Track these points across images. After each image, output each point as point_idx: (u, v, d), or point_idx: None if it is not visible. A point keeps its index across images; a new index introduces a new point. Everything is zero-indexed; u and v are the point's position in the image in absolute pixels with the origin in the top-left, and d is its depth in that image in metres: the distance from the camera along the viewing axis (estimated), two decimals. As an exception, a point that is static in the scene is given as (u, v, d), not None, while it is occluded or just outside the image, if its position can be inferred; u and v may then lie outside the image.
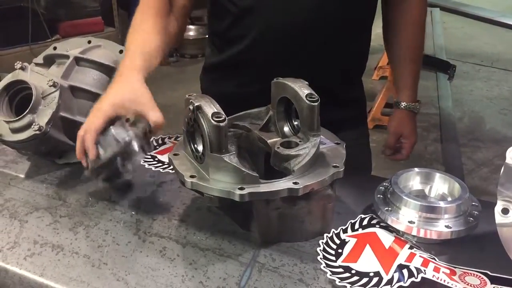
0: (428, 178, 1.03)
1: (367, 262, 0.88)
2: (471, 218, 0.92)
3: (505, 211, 0.80)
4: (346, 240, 0.94)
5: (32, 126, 1.07)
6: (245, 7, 1.25)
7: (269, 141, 1.01)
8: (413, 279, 0.83)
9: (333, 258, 0.89)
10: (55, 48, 1.27)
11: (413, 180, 1.03)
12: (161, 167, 1.21)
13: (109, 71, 1.23)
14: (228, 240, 0.95)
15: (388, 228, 0.96)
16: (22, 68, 1.14)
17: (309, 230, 0.95)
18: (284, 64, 1.23)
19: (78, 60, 1.21)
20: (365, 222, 0.99)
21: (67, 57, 1.20)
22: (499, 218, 0.81)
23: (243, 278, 0.86)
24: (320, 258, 0.89)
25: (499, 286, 0.82)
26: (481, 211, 0.94)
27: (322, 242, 0.93)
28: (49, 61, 1.25)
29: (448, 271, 0.84)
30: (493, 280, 0.83)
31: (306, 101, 0.93)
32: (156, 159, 1.25)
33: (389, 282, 0.83)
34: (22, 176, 1.19)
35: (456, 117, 4.43)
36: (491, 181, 3.31)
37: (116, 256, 0.92)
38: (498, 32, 7.04)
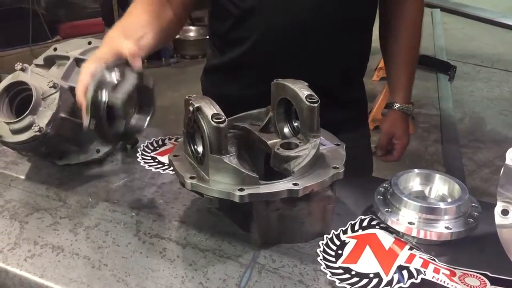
0: (428, 179, 1.03)
1: (367, 263, 0.88)
2: (471, 219, 0.92)
3: (505, 212, 0.80)
4: (346, 241, 0.94)
5: (32, 127, 1.07)
6: (246, 9, 1.25)
7: (269, 142, 1.01)
8: (413, 280, 0.83)
9: (333, 259, 0.89)
10: (55, 49, 1.27)
11: (413, 181, 1.03)
12: (161, 168, 1.21)
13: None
14: (228, 241, 0.95)
15: (388, 229, 0.96)
16: (23, 69, 1.14)
17: (309, 231, 0.95)
18: (285, 65, 1.23)
19: (78, 61, 1.21)
20: (365, 223, 0.99)
21: (67, 58, 1.21)
22: (499, 219, 0.81)
23: (243, 279, 0.86)
24: (320, 259, 0.89)
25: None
26: (481, 212, 0.94)
27: (322, 243, 0.93)
28: (49, 62, 1.25)
29: (448, 272, 0.84)
30: (493, 281, 0.83)
31: (306, 102, 0.93)
32: (156, 160, 1.25)
33: (389, 283, 0.83)
34: (23, 177, 1.19)
35: (456, 118, 4.43)
36: (492, 182, 3.31)
37: (116, 257, 0.92)
38: (498, 33, 7.04)
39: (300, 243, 0.95)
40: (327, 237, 0.95)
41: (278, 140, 1.02)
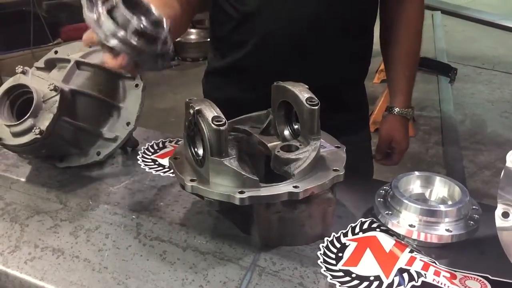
0: (429, 181, 1.03)
1: (368, 266, 0.88)
2: (472, 222, 0.92)
3: (505, 214, 0.80)
4: (347, 244, 0.94)
5: (33, 130, 1.07)
6: (247, 12, 1.26)
7: (269, 144, 1.01)
8: (413, 283, 0.83)
9: (334, 262, 0.89)
10: (56, 52, 1.28)
11: (414, 183, 1.03)
12: (162, 171, 1.21)
13: (109, 75, 1.24)
14: (229, 244, 0.95)
15: (389, 232, 0.96)
16: (23, 72, 1.14)
17: (309, 233, 0.95)
18: (285, 68, 1.23)
19: (79, 64, 1.21)
20: (365, 226, 0.99)
21: (68, 61, 1.21)
22: (499, 222, 0.81)
23: (243, 282, 0.86)
24: (321, 262, 0.89)
25: (500, 290, 0.82)
26: (482, 214, 0.94)
27: (323, 246, 0.93)
28: (50, 65, 1.25)
29: (448, 275, 0.84)
30: (494, 284, 0.83)
31: (306, 104, 0.93)
32: (157, 162, 1.25)
33: (390, 286, 0.83)
34: (23, 180, 1.19)
35: (457, 120, 4.43)
36: (492, 184, 3.30)
37: (117, 260, 0.92)
38: (499, 35, 7.03)
39: (301, 245, 0.95)
40: (327, 239, 0.95)
41: (279, 142, 1.02)
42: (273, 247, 0.94)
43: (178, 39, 5.63)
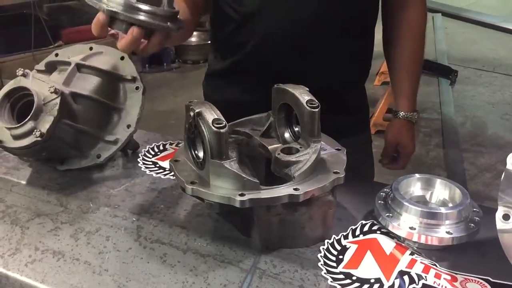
0: (429, 184, 1.03)
1: (368, 268, 0.88)
2: (472, 224, 0.92)
3: (506, 217, 0.80)
4: (347, 246, 0.94)
5: (34, 133, 1.07)
6: (246, 13, 1.26)
7: (269, 147, 1.01)
8: (414, 285, 0.83)
9: (334, 264, 0.89)
10: (56, 55, 1.28)
11: (414, 186, 1.03)
12: (162, 173, 1.21)
13: (110, 77, 1.24)
14: (229, 247, 0.95)
15: (389, 234, 0.96)
16: (24, 75, 1.14)
17: (310, 236, 0.95)
18: (286, 69, 1.22)
19: (79, 67, 1.21)
20: (366, 228, 0.99)
21: (68, 63, 1.21)
22: (500, 224, 0.80)
23: (243, 285, 0.86)
24: (321, 265, 0.89)
25: (501, 293, 0.82)
26: (482, 217, 0.94)
27: (323, 248, 0.93)
28: (50, 68, 1.25)
29: (449, 278, 0.84)
30: (495, 287, 0.83)
31: (307, 107, 0.93)
32: (157, 165, 1.25)
33: (390, 288, 0.83)
34: (24, 182, 1.19)
35: (458, 122, 4.43)
36: (493, 187, 3.30)
37: (117, 262, 0.92)
38: (500, 37, 7.04)
39: (301, 248, 0.94)
40: (328, 242, 0.95)
41: (279, 145, 1.02)
42: (274, 249, 0.94)
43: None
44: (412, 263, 0.88)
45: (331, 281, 0.85)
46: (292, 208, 0.90)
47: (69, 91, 1.16)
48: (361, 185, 1.16)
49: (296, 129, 1.04)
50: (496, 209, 0.81)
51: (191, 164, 0.96)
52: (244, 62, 1.34)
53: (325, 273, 0.87)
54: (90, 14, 0.98)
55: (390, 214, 0.95)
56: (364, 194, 1.09)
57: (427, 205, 1.00)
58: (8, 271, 0.90)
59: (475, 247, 0.93)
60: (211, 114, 0.88)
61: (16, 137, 1.10)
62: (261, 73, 1.29)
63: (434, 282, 0.83)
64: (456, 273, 0.86)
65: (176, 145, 1.34)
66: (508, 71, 5.71)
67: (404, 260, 0.89)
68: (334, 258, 0.91)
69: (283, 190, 0.87)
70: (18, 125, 1.09)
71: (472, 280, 0.84)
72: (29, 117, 1.08)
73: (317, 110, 0.93)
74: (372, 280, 0.85)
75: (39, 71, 1.25)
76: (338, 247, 0.94)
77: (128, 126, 1.23)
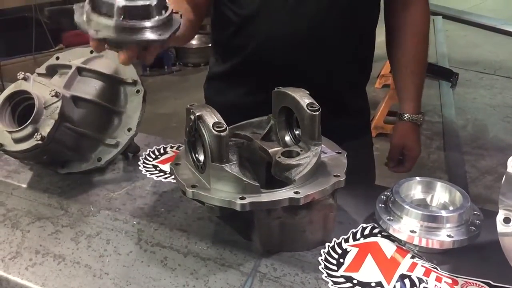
0: (430, 187, 1.02)
1: (369, 272, 0.88)
2: (473, 227, 0.92)
3: (506, 220, 0.80)
4: (348, 250, 0.94)
5: (34, 136, 1.07)
6: (246, 16, 1.26)
7: (270, 150, 1.01)
8: (415, 289, 0.82)
9: (335, 267, 0.89)
10: (57, 58, 1.28)
11: (415, 189, 1.03)
12: (163, 177, 1.21)
13: (111, 81, 1.24)
14: (230, 250, 0.95)
15: (390, 238, 0.96)
16: (25, 79, 1.14)
17: (310, 239, 0.95)
18: (286, 72, 1.23)
19: (80, 70, 1.22)
20: (366, 232, 0.99)
21: (69, 67, 1.21)
22: (500, 227, 0.80)
23: (244, 288, 0.86)
24: (322, 268, 0.89)
25: (502, 296, 0.82)
26: (483, 220, 0.94)
27: (324, 252, 0.93)
28: (51, 71, 1.25)
29: (450, 281, 0.84)
30: (496, 290, 0.83)
31: (307, 110, 0.93)
32: (158, 168, 1.25)
33: (391, 292, 0.83)
34: (24, 186, 1.19)
35: (459, 125, 4.43)
36: (494, 189, 3.29)
37: (118, 266, 0.92)
38: (501, 40, 7.03)
39: (302, 251, 0.94)
40: (328, 245, 0.95)
41: (280, 148, 1.02)
42: (274, 253, 0.94)
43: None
44: (413, 267, 0.87)
45: (331, 285, 0.85)
46: (292, 212, 0.90)
47: (70, 95, 1.16)
48: (362, 188, 1.15)
49: (297, 132, 1.04)
50: (497, 212, 0.81)
51: (192, 167, 0.96)
52: (244, 65, 1.34)
53: (326, 276, 0.87)
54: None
55: (391, 217, 0.95)
56: (365, 197, 1.09)
57: (428, 208, 1.00)
58: (8, 274, 0.91)
59: (476, 250, 0.93)
60: (211, 118, 0.88)
61: (17, 141, 1.10)
62: (262, 76, 1.29)
63: (435, 285, 0.83)
64: (457, 277, 0.86)
65: (177, 148, 1.34)
66: (509, 73, 5.70)
67: (405, 264, 0.89)
68: (334, 262, 0.91)
69: (284, 194, 0.87)
70: (19, 128, 1.09)
71: (473, 283, 0.84)
72: (30, 120, 1.08)
73: (317, 113, 0.93)
74: (373, 284, 0.85)
75: (40, 74, 1.26)
76: (339, 251, 0.93)
77: (129, 130, 1.23)
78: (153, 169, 1.25)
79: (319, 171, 0.94)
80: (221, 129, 0.86)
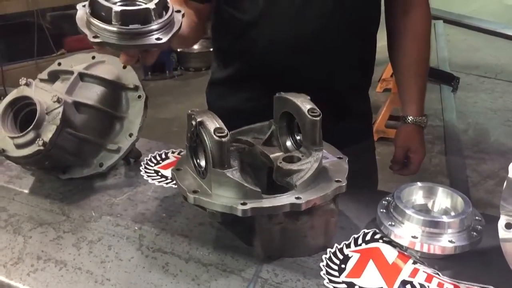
0: (431, 192, 1.02)
1: (371, 277, 0.87)
2: (475, 233, 0.92)
3: (508, 226, 0.80)
4: (349, 255, 0.94)
5: (36, 142, 1.08)
6: (249, 21, 1.26)
7: (271, 155, 1.01)
8: (416, 294, 0.82)
9: (336, 273, 0.89)
10: (59, 64, 1.29)
11: (416, 194, 1.03)
12: (164, 182, 1.21)
13: (112, 86, 1.24)
14: (231, 256, 0.95)
15: (392, 243, 0.96)
16: (27, 84, 1.14)
17: (312, 245, 0.95)
18: (289, 77, 1.23)
19: (82, 76, 1.22)
20: (368, 237, 0.99)
21: (71, 72, 1.22)
22: (502, 233, 0.80)
23: (245, 294, 0.86)
24: (323, 274, 0.89)
25: (504, 302, 0.82)
26: (485, 225, 0.94)
27: (325, 257, 0.93)
28: (53, 77, 1.26)
29: (452, 287, 0.84)
30: (498, 296, 0.83)
31: (308, 116, 0.94)
32: (159, 173, 1.25)
33: (393, 298, 0.83)
34: (26, 191, 1.19)
35: (460, 129, 4.42)
36: (496, 194, 3.29)
37: (119, 271, 0.92)
38: (501, 44, 7.04)
39: (303, 257, 0.94)
40: (330, 251, 0.94)
41: (281, 153, 1.02)
42: (276, 258, 0.94)
43: (180, 49, 5.67)
44: (414, 272, 0.87)
45: (333, 290, 0.85)
46: (294, 217, 0.90)
47: (71, 100, 1.16)
48: (363, 194, 1.15)
49: (298, 137, 1.04)
50: (499, 217, 0.81)
51: (193, 173, 0.96)
52: (246, 70, 1.34)
53: (327, 282, 0.87)
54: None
55: (392, 223, 0.95)
56: (366, 203, 1.09)
57: (429, 213, 1.00)
58: (10, 280, 0.91)
59: (478, 256, 0.93)
60: (213, 123, 0.88)
61: (19, 146, 1.10)
62: (265, 80, 1.29)
63: (437, 291, 0.82)
64: (459, 282, 0.85)
65: (178, 154, 1.34)
66: (510, 77, 5.70)
67: (406, 269, 0.88)
68: (336, 267, 0.90)
69: (285, 199, 0.87)
70: (21, 134, 1.09)
71: (475, 289, 0.84)
72: (32, 126, 1.08)
73: (318, 118, 0.94)
74: (375, 290, 0.85)
75: (42, 80, 1.26)
76: (341, 256, 0.93)
77: (130, 135, 1.23)
78: (155, 175, 1.25)
79: (320, 176, 0.94)
80: (222, 134, 0.86)
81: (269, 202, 0.87)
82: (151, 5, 0.86)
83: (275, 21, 1.24)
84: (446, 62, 6.05)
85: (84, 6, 0.89)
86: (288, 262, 0.93)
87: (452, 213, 0.97)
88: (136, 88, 1.26)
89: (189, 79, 5.77)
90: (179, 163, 1.01)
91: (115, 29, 0.84)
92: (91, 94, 1.21)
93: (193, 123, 0.90)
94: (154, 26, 0.87)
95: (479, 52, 6.62)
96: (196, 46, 6.08)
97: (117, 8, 0.83)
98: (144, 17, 0.86)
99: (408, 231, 0.92)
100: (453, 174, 3.65)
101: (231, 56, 1.38)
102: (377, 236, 0.99)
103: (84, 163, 1.22)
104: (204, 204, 0.88)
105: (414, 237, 0.91)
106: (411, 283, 0.85)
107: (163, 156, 1.34)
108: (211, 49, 1.52)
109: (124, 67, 1.27)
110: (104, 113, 1.22)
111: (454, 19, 7.93)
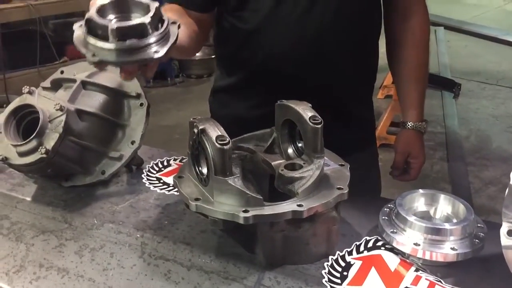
0: (433, 199, 1.02)
1: (373, 285, 0.87)
2: (477, 240, 0.91)
3: (510, 233, 0.80)
4: (351, 263, 0.93)
5: (39, 150, 1.08)
6: (251, 30, 1.27)
7: (273, 163, 1.01)
8: (419, 302, 0.82)
9: (339, 281, 0.89)
10: (62, 72, 1.29)
11: (418, 201, 1.03)
12: (166, 189, 1.21)
13: (115, 94, 1.25)
14: (233, 263, 0.95)
15: (394, 250, 0.95)
16: (30, 92, 1.15)
17: (314, 252, 0.95)
18: (290, 85, 1.23)
19: (84, 84, 1.23)
20: (370, 244, 0.99)
21: (74, 81, 1.22)
22: (504, 240, 0.80)
23: (248, 302, 0.86)
24: (325, 281, 0.89)
25: (506, 309, 0.82)
26: (487, 232, 0.94)
27: (327, 265, 0.93)
28: (56, 85, 1.27)
29: (454, 294, 0.84)
30: (500, 303, 0.83)
31: (310, 123, 0.94)
32: (162, 181, 1.26)
33: (395, 305, 0.82)
34: (29, 199, 1.19)
35: (462, 135, 4.42)
36: (498, 200, 3.28)
37: (121, 279, 0.92)
38: (502, 50, 7.05)
39: (305, 264, 0.94)
40: (332, 258, 0.94)
41: (283, 161, 1.02)
42: (278, 266, 0.94)
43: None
44: (417, 280, 0.87)
45: (335, 298, 0.84)
46: (295, 225, 0.90)
47: (74, 108, 1.17)
48: (365, 201, 1.15)
49: (300, 145, 1.04)
50: (500, 224, 0.81)
51: (195, 180, 0.96)
52: (249, 78, 1.34)
53: (329, 289, 0.87)
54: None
55: (394, 230, 0.95)
56: (368, 210, 1.08)
57: (431, 221, 1.00)
58: (12, 288, 0.91)
59: (480, 263, 0.93)
60: (214, 131, 0.88)
61: (22, 154, 1.11)
62: (267, 89, 1.29)
63: (439, 298, 0.82)
64: (461, 290, 0.85)
65: (180, 161, 1.35)
66: (511, 84, 5.71)
67: (409, 277, 0.88)
68: (338, 275, 0.90)
69: (287, 206, 0.87)
70: (24, 142, 1.10)
71: (477, 296, 0.84)
72: (34, 134, 1.09)
73: (320, 126, 0.94)
74: (377, 297, 0.84)
75: (44, 88, 1.27)
76: (343, 264, 0.93)
77: (133, 142, 1.23)
78: (157, 182, 1.25)
79: (322, 183, 0.94)
80: (224, 142, 0.86)
81: (271, 209, 0.87)
82: (147, 19, 0.87)
83: (277, 30, 1.24)
84: (447, 68, 6.06)
85: (80, 26, 0.89)
86: (290, 270, 0.93)
87: (454, 220, 0.97)
88: (138, 96, 1.26)
89: (191, 86, 5.79)
90: (181, 170, 1.02)
91: (112, 46, 0.84)
92: (93, 102, 1.22)
93: (195, 130, 0.91)
94: (151, 39, 0.88)
95: (480, 59, 6.63)
96: (197, 53, 6.12)
97: (112, 25, 0.84)
98: (140, 31, 0.87)
99: (410, 238, 0.92)
100: (455, 181, 3.64)
101: (234, 65, 1.38)
102: (379, 244, 0.98)
103: (87, 170, 1.22)
104: (206, 212, 0.89)
105: (416, 244, 0.91)
106: (413, 290, 0.85)
107: (165, 163, 1.35)
108: (213, 56, 1.52)
109: (126, 75, 1.27)
110: (106, 121, 1.22)
111: (455, 26, 7.95)
